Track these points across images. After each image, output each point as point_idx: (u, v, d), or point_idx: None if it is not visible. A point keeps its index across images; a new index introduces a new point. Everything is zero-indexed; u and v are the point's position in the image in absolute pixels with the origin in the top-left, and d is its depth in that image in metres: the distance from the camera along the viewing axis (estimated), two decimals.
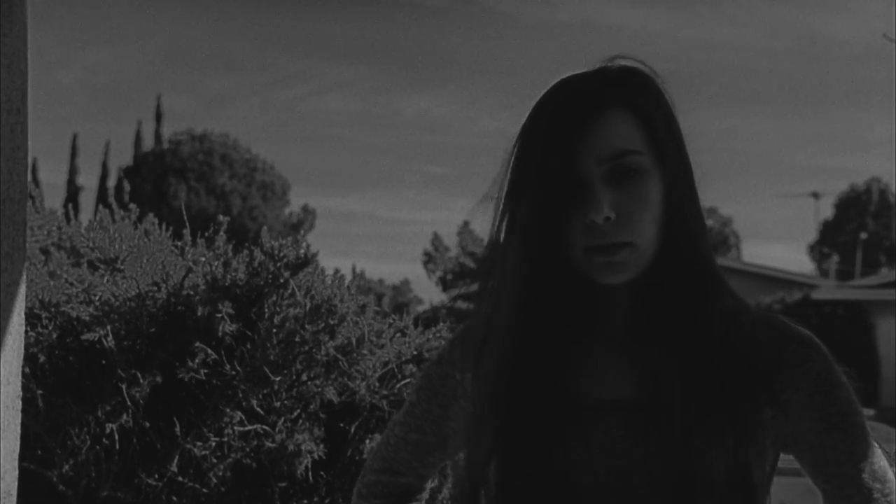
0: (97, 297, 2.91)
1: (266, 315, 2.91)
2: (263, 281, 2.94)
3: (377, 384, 3.03)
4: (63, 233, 3.46)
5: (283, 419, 2.89)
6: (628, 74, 1.25)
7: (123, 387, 2.78)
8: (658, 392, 1.19)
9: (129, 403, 2.78)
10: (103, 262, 3.03)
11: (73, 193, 40.01)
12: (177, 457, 2.80)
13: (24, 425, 2.25)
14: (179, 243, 3.15)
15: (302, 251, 2.97)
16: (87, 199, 38.35)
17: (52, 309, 2.91)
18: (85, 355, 2.88)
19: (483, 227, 1.30)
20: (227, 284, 2.93)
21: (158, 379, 2.78)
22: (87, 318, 2.86)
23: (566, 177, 1.19)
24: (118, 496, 2.80)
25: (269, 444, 2.85)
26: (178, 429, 2.81)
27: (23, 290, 2.15)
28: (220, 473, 2.83)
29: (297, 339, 2.90)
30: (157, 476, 2.81)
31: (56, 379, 2.86)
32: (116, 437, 2.78)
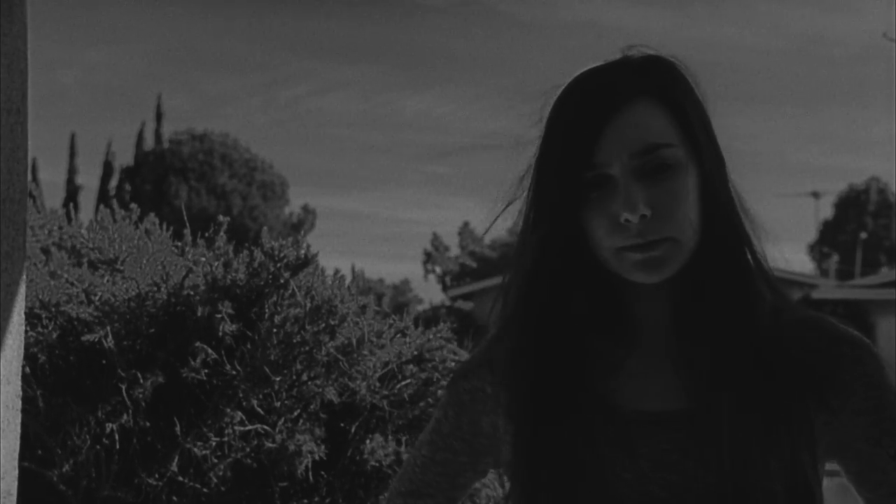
0: (97, 297, 2.91)
1: (266, 315, 2.91)
2: (264, 281, 2.93)
3: (378, 384, 3.03)
4: (63, 232, 3.46)
5: (283, 419, 2.89)
6: (652, 62, 1.18)
7: (123, 387, 2.78)
8: (711, 400, 1.11)
9: (129, 403, 2.78)
10: (103, 262, 3.03)
11: (72, 193, 40.00)
12: (177, 457, 2.80)
13: (24, 425, 2.25)
14: (180, 243, 3.15)
15: (302, 251, 2.97)
16: (87, 199, 38.36)
17: (53, 309, 2.90)
18: (85, 355, 2.88)
19: (501, 228, 1.24)
20: (227, 284, 2.92)
21: (159, 379, 2.78)
22: (88, 318, 2.86)
23: (591, 173, 1.12)
24: (118, 496, 2.80)
25: (269, 444, 2.85)
26: (178, 429, 2.80)
27: (23, 289, 2.15)
28: (221, 473, 2.83)
29: (297, 339, 2.90)
30: (157, 476, 2.81)
31: (56, 379, 2.86)
32: (116, 436, 2.78)
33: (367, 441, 3.00)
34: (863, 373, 1.15)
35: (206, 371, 2.82)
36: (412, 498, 1.34)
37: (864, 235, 46.87)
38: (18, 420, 2.15)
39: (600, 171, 1.12)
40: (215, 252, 3.05)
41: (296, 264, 2.94)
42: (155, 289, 2.93)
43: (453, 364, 3.11)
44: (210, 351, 2.81)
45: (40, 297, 2.89)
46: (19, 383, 2.15)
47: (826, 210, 58.88)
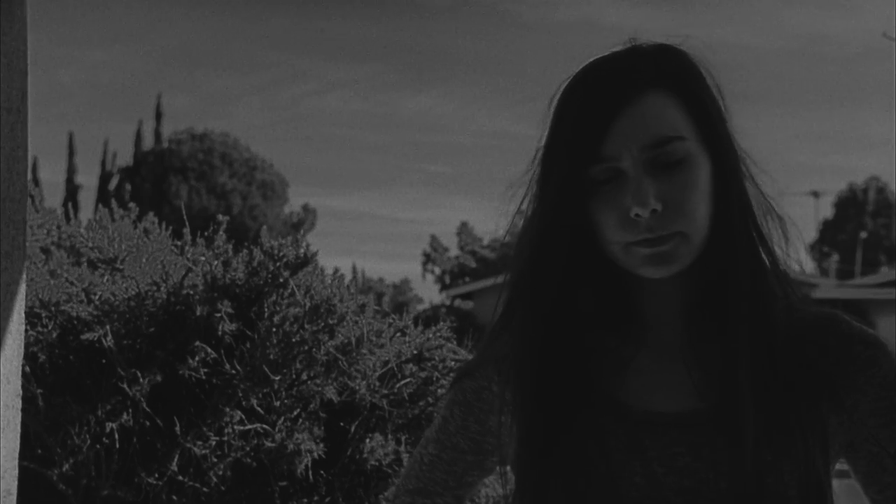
0: (97, 297, 2.91)
1: (266, 314, 2.91)
2: (263, 280, 2.94)
3: (377, 383, 3.03)
4: (63, 232, 3.46)
5: (283, 418, 2.89)
6: (664, 52, 1.14)
7: (124, 386, 2.78)
8: (724, 401, 1.08)
9: (129, 402, 2.78)
10: (103, 261, 3.03)
11: (72, 192, 40.01)
12: (177, 456, 2.80)
13: (24, 424, 2.25)
14: (179, 243, 3.15)
15: (301, 251, 2.97)
16: (87, 198, 38.37)
17: (52, 308, 2.91)
18: (85, 354, 2.88)
19: (502, 226, 1.20)
20: (226, 284, 2.93)
21: (158, 378, 2.78)
22: (87, 318, 2.86)
23: (601, 166, 1.08)
24: (118, 495, 2.80)
25: (268, 443, 2.85)
26: (178, 428, 2.81)
27: (23, 289, 2.15)
28: (221, 472, 2.83)
29: (296, 338, 2.90)
30: (157, 475, 2.81)
31: (56, 378, 2.86)
32: (116, 436, 2.78)
33: (367, 440, 3.00)
34: (876, 373, 1.12)
35: (206, 370, 2.82)
36: (420, 496, 1.32)
37: (864, 235, 46.88)
38: (18, 419, 2.15)
39: (610, 164, 1.08)
40: (215, 251, 3.05)
41: (295, 263, 2.94)
42: (154, 288, 2.94)
43: (453, 363, 3.11)
44: (209, 350, 2.81)
45: (40, 296, 2.89)
46: (19, 383, 2.15)
47: (826, 210, 58.89)
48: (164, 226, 3.28)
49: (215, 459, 2.83)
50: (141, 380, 2.77)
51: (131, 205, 3.39)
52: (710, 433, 1.09)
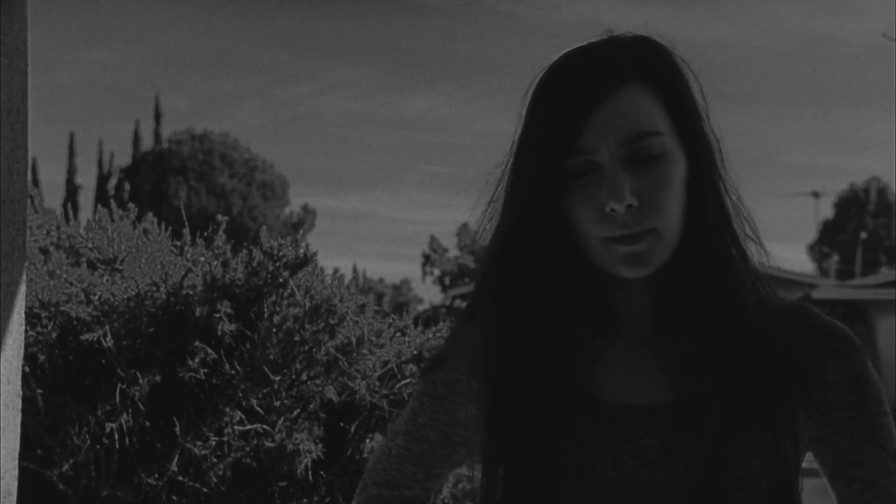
0: (96, 297, 2.91)
1: (265, 315, 2.91)
2: (262, 280, 2.93)
3: (377, 384, 3.03)
4: (62, 232, 3.46)
5: (282, 419, 2.89)
6: (643, 44, 1.12)
7: (123, 386, 2.78)
8: (695, 395, 1.08)
9: (128, 403, 2.78)
10: (102, 261, 3.03)
11: (72, 193, 40.02)
12: (177, 456, 2.80)
13: (24, 425, 2.25)
14: (179, 243, 3.15)
15: (301, 251, 2.97)
16: (87, 199, 38.39)
17: (52, 308, 2.90)
18: (85, 355, 2.88)
19: (482, 223, 1.18)
20: (226, 284, 2.92)
21: (158, 378, 2.78)
22: (87, 318, 2.86)
23: (578, 160, 1.07)
24: (118, 495, 2.80)
25: (268, 443, 2.85)
26: (177, 428, 2.81)
27: (23, 289, 2.15)
28: (220, 473, 2.83)
29: (296, 338, 2.90)
30: (157, 475, 2.81)
31: (56, 378, 2.86)
32: (116, 436, 2.78)
33: (367, 440, 3.00)
34: (845, 366, 1.13)
35: (206, 371, 2.82)
36: (388, 489, 1.31)
37: (864, 235, 46.89)
38: (18, 420, 2.16)
39: (586, 158, 1.07)
40: (214, 252, 3.05)
41: (295, 264, 2.94)
42: (154, 288, 2.93)
43: None
44: (209, 350, 2.81)
45: (40, 296, 2.89)
46: (19, 383, 2.15)
47: (826, 210, 58.90)
48: (163, 226, 3.28)
49: (215, 460, 2.83)
50: (140, 380, 2.77)
51: (130, 205, 3.38)
52: (681, 426, 1.08)
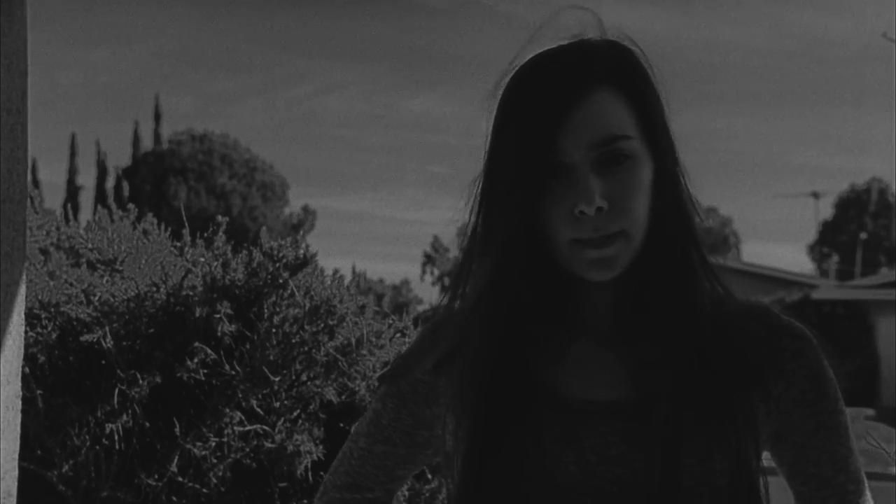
0: (96, 298, 2.91)
1: (265, 315, 2.91)
2: (262, 281, 2.93)
3: (377, 384, 3.03)
4: (62, 233, 3.46)
5: (282, 419, 2.89)
6: (613, 49, 1.14)
7: (123, 387, 2.78)
8: (654, 393, 1.09)
9: (128, 403, 2.78)
10: (102, 262, 3.03)
11: (72, 193, 40.03)
12: (177, 457, 2.80)
13: (23, 425, 2.25)
14: (178, 244, 3.15)
15: (301, 251, 2.97)
16: (87, 199, 38.40)
17: (52, 309, 2.90)
18: (85, 355, 2.88)
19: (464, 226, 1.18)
20: (225, 285, 2.92)
21: (158, 379, 2.78)
22: (87, 319, 2.86)
23: (548, 162, 1.08)
24: (118, 496, 2.80)
25: (268, 444, 2.85)
26: (177, 429, 2.81)
27: (23, 290, 2.15)
28: (220, 473, 2.83)
29: (296, 339, 2.90)
30: (157, 476, 2.81)
31: (56, 379, 2.86)
32: (116, 437, 2.78)
33: None
34: (803, 364, 1.14)
35: (205, 371, 2.82)
36: (349, 491, 1.31)
37: (864, 236, 46.90)
38: (18, 420, 2.16)
39: (556, 160, 1.08)
40: (214, 252, 3.05)
41: (294, 264, 2.94)
42: (154, 289, 2.93)
43: None
44: (209, 351, 2.81)
45: (39, 297, 2.89)
46: (19, 383, 2.15)
47: (826, 210, 58.90)
48: (163, 227, 3.28)
49: (215, 460, 2.83)
50: (140, 381, 2.77)
51: (130, 206, 3.38)
52: (642, 422, 1.09)
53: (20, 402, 2.16)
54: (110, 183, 40.09)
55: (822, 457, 1.15)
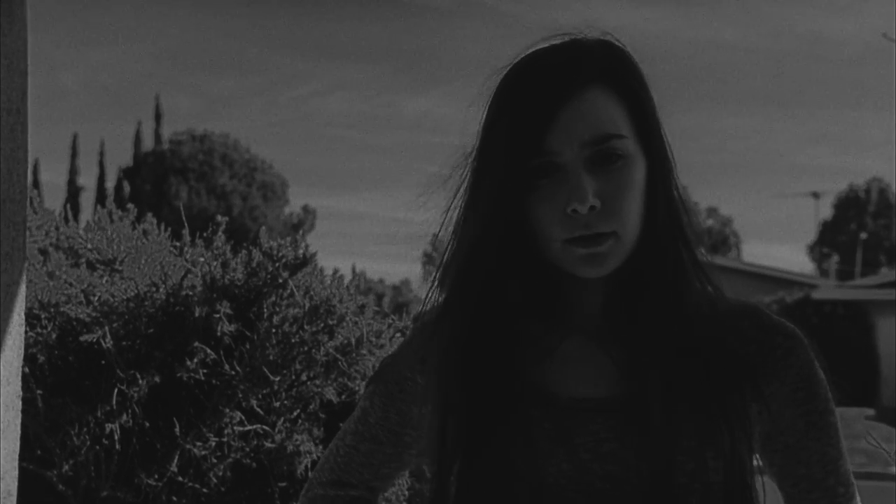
0: (96, 298, 2.91)
1: (265, 315, 2.91)
2: (262, 281, 2.93)
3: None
4: (62, 233, 3.46)
5: (282, 419, 2.89)
6: (606, 48, 1.13)
7: (123, 387, 2.78)
8: (645, 390, 1.09)
9: (128, 403, 2.78)
10: (102, 262, 3.03)
11: (73, 194, 40.04)
12: (177, 457, 2.80)
13: (23, 425, 2.25)
14: (178, 244, 3.15)
15: (301, 251, 2.97)
16: (88, 200, 38.42)
17: (52, 309, 2.90)
18: (84, 355, 2.88)
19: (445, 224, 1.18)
20: (225, 284, 2.92)
21: (157, 379, 2.78)
22: (86, 319, 2.86)
23: (540, 161, 1.08)
24: (118, 496, 2.80)
25: (268, 444, 2.85)
26: (177, 429, 2.81)
27: (23, 290, 2.15)
28: (220, 473, 2.83)
29: (296, 339, 2.90)
30: (157, 476, 2.81)
31: (56, 379, 2.86)
32: (116, 437, 2.78)
33: None
34: (794, 363, 1.14)
35: (205, 371, 2.82)
36: (333, 488, 1.30)
37: (864, 236, 46.90)
38: (18, 420, 2.15)
39: (549, 159, 1.08)
40: (214, 252, 3.04)
41: (294, 264, 2.94)
42: (153, 289, 2.93)
43: None
44: (209, 351, 2.81)
45: (39, 297, 2.89)
46: (19, 384, 2.15)
47: (826, 210, 58.88)
48: (163, 227, 3.28)
49: (215, 460, 2.83)
50: (140, 381, 2.77)
51: (130, 206, 3.38)
52: (634, 420, 1.09)
53: (20, 402, 2.16)
54: (111, 183, 40.12)
55: (812, 458, 1.15)
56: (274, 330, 2.89)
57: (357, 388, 2.97)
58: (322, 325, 2.93)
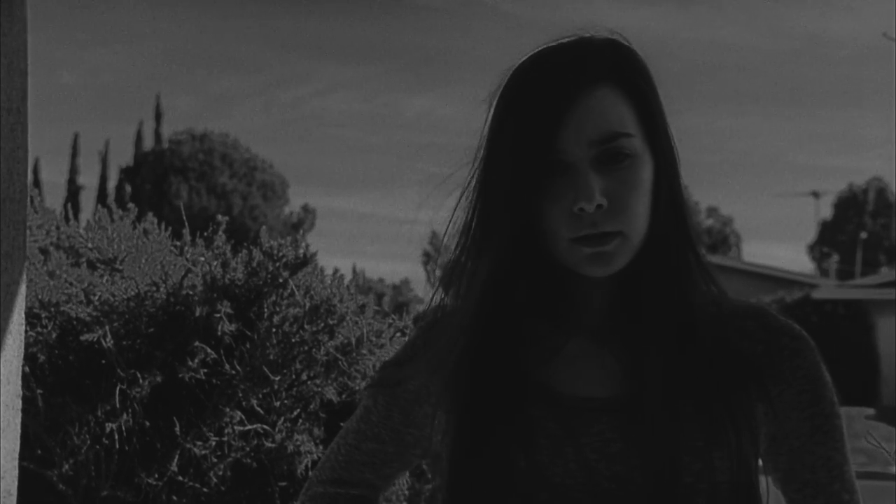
0: (96, 297, 2.91)
1: (265, 315, 2.91)
2: (262, 281, 2.93)
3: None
4: (62, 232, 3.46)
5: (282, 419, 2.89)
6: (614, 47, 1.13)
7: (123, 386, 2.78)
8: (650, 390, 1.08)
9: (129, 403, 2.78)
10: (102, 261, 3.03)
11: (73, 193, 40.03)
12: (177, 456, 2.80)
13: (24, 425, 2.25)
14: (178, 243, 3.15)
15: (301, 251, 2.97)
16: (88, 199, 38.43)
17: (52, 309, 2.90)
18: (85, 355, 2.88)
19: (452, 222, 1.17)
20: (225, 284, 2.92)
21: (158, 379, 2.78)
22: (87, 318, 2.86)
23: (547, 160, 1.07)
24: (118, 496, 2.80)
25: (268, 443, 2.85)
26: (178, 428, 2.81)
27: (23, 289, 2.15)
28: (220, 473, 2.83)
29: (296, 338, 2.90)
30: (157, 475, 2.81)
31: (56, 378, 2.86)
32: (116, 436, 2.78)
33: None
34: (800, 364, 1.13)
35: (206, 371, 2.82)
36: (333, 486, 1.29)
37: (864, 235, 46.90)
38: (18, 420, 2.16)
39: (556, 157, 1.07)
40: (214, 252, 3.04)
41: (294, 264, 2.94)
42: (154, 288, 2.93)
43: None
44: (209, 350, 2.81)
45: (40, 296, 2.89)
46: (19, 383, 2.15)
47: (826, 210, 58.87)
48: (163, 226, 3.28)
49: (215, 460, 2.83)
50: (140, 380, 2.77)
51: (130, 205, 3.38)
52: (639, 419, 1.08)
53: (20, 402, 2.16)
54: (113, 182, 40.13)
55: (817, 462, 1.14)
56: (274, 329, 2.89)
57: (357, 388, 2.97)
58: (322, 324, 2.93)
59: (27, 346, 2.65)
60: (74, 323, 2.89)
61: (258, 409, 2.87)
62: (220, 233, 3.09)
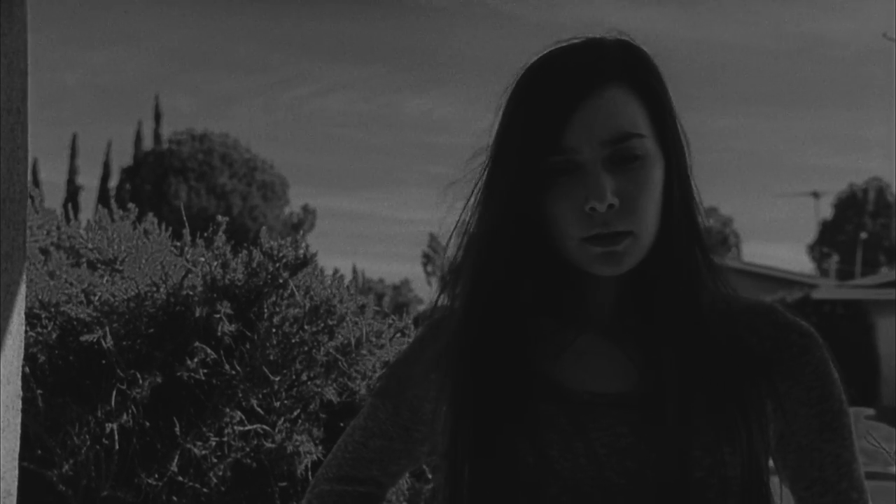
0: (96, 298, 2.91)
1: (265, 315, 2.91)
2: (262, 281, 2.93)
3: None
4: (62, 233, 3.46)
5: (282, 419, 2.89)
6: (626, 48, 1.13)
7: (123, 387, 2.78)
8: (661, 385, 1.09)
9: (128, 403, 2.78)
10: (102, 262, 3.03)
11: (72, 193, 40.03)
12: (177, 456, 2.80)
13: (23, 425, 2.25)
14: (178, 243, 3.15)
15: (301, 251, 2.97)
16: (88, 199, 38.43)
17: (52, 309, 2.90)
18: (85, 355, 2.88)
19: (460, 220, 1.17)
20: (225, 285, 2.92)
21: (158, 379, 2.78)
22: (87, 319, 2.86)
23: (559, 159, 1.08)
24: (118, 496, 2.80)
25: (268, 444, 2.85)
26: (177, 429, 2.81)
27: (23, 289, 2.15)
28: (220, 473, 2.83)
29: (296, 339, 2.90)
30: (157, 476, 2.81)
31: (56, 379, 2.86)
32: (116, 436, 2.78)
33: None
34: (809, 361, 1.14)
35: (206, 371, 2.82)
36: (339, 483, 1.29)
37: (864, 235, 46.90)
38: (18, 420, 2.16)
39: (567, 156, 1.08)
40: (214, 252, 3.04)
41: (294, 264, 2.94)
42: (154, 289, 2.94)
43: None
44: (209, 351, 2.81)
45: (40, 297, 2.89)
46: (19, 383, 2.15)
47: (826, 210, 58.88)
48: (163, 226, 3.28)
49: (215, 460, 2.83)
50: (140, 381, 2.77)
51: (131, 205, 3.38)
52: (650, 415, 1.09)
53: (20, 402, 2.16)
54: (113, 182, 40.13)
55: (826, 460, 1.14)
56: (274, 330, 2.89)
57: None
58: (322, 325, 2.93)
59: (27, 346, 2.65)
60: (74, 323, 2.89)
61: (258, 409, 2.87)
62: (220, 233, 3.09)
